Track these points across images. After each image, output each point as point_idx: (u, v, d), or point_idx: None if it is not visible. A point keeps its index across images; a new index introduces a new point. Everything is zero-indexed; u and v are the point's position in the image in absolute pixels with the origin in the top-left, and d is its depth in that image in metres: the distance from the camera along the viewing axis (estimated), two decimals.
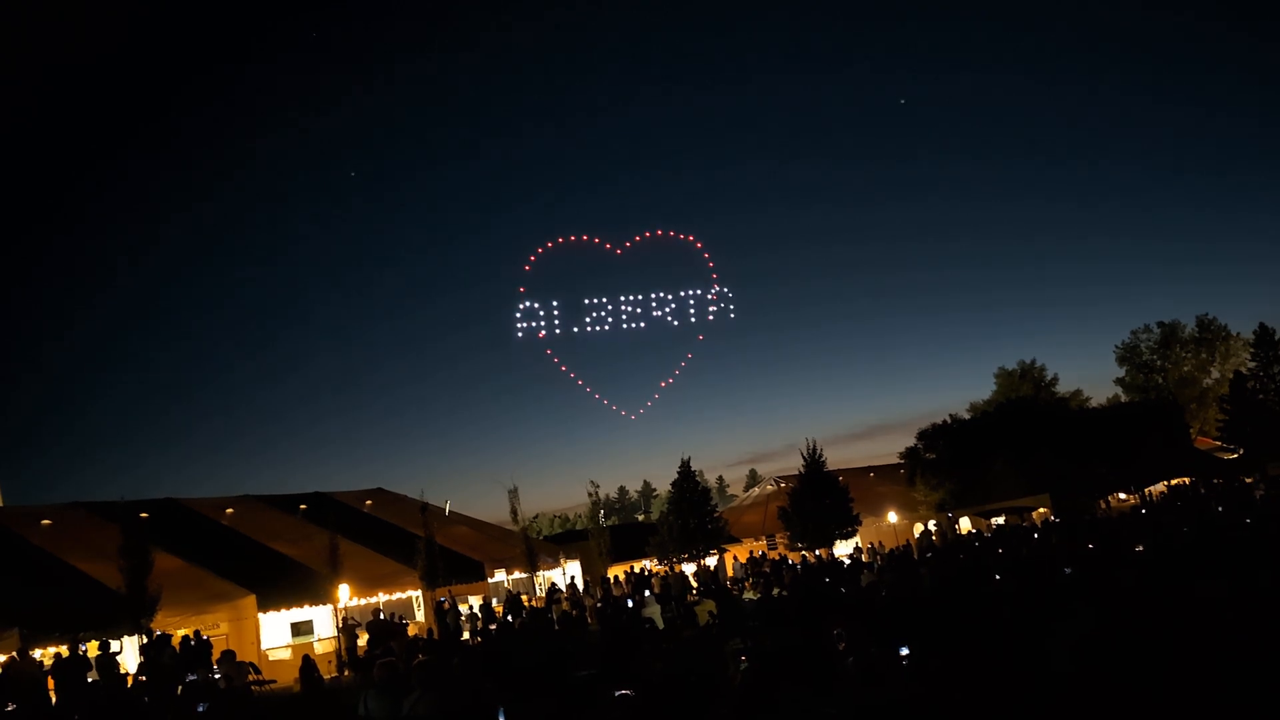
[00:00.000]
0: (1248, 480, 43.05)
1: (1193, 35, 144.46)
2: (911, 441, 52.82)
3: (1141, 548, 20.29)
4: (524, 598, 31.74)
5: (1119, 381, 70.57)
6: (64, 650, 20.41)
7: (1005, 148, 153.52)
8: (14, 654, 20.07)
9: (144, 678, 20.39)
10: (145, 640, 21.48)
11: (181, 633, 23.23)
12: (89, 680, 19.89)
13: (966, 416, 58.11)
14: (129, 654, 22.28)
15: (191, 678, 19.27)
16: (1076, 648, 9.22)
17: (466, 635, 27.18)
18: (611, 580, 34.63)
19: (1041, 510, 43.33)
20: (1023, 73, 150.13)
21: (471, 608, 30.25)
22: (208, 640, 23.21)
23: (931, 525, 46.56)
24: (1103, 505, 43.84)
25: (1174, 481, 46.75)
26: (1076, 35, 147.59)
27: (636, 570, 37.58)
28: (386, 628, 25.65)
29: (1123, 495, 48.04)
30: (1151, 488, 46.53)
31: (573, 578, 37.84)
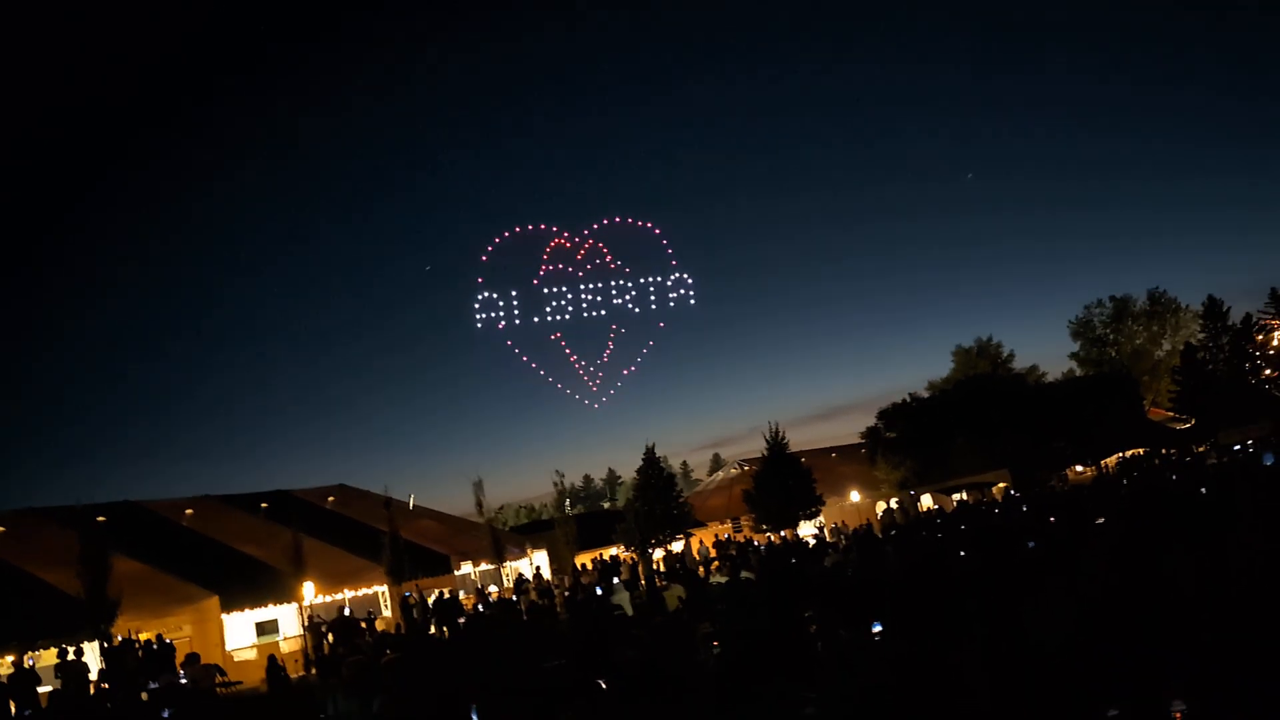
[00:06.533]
0: (1200, 449, 43.78)
1: (1151, 5, 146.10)
2: (872, 421, 53.20)
3: (1103, 519, 20.49)
4: (492, 589, 31.56)
5: (1074, 356, 71.59)
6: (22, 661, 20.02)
7: (956, 126, 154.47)
8: None
9: (106, 685, 20.05)
10: (106, 646, 21.10)
11: (144, 636, 22.86)
12: (48, 690, 19.47)
13: (926, 395, 58.51)
14: (91, 661, 21.88)
15: (154, 684, 18.94)
16: (1054, 624, 9.28)
17: (433, 630, 27.00)
18: (580, 568, 34.53)
19: (1001, 485, 43.78)
20: (970, 49, 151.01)
21: (440, 598, 30.04)
22: (171, 644, 22.88)
23: (894, 503, 46.90)
24: (1059, 479, 44.36)
25: (1129, 453, 47.39)
26: (1032, 13, 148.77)
27: (604, 558, 37.52)
28: (352, 625, 25.42)
29: (1080, 468, 48.65)
30: (1108, 459, 47.16)
31: (538, 567, 37.73)
